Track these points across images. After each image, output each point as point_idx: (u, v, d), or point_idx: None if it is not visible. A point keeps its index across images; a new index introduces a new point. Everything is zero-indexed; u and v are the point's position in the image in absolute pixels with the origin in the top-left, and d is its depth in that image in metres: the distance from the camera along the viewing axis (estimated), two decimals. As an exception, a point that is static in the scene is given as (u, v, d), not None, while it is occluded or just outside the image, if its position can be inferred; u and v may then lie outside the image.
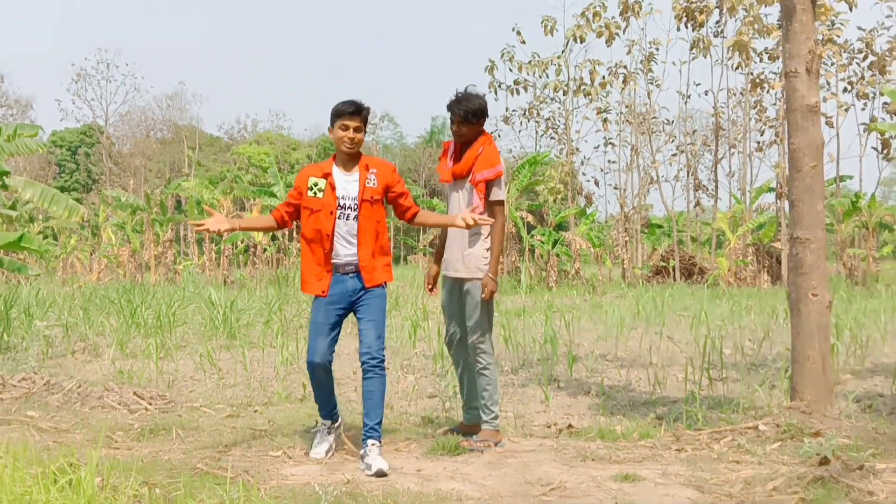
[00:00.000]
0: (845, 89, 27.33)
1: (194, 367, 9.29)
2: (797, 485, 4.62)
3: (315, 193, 5.47)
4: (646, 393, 7.95)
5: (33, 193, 10.67)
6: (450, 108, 5.89)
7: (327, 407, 5.71)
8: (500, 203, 5.86)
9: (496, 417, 5.90)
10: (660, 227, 38.22)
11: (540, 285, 23.71)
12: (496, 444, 5.81)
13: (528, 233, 26.22)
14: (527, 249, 25.61)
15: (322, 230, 5.43)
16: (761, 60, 26.87)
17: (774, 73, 26.79)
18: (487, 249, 5.84)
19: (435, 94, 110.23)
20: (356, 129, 5.44)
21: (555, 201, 27.18)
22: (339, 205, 5.44)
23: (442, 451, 5.63)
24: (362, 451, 5.30)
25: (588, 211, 29.11)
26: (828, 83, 26.20)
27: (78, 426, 6.46)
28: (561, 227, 28.86)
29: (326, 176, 5.50)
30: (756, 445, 5.50)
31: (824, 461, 4.98)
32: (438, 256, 6.26)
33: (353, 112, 5.42)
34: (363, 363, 5.40)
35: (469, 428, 6.11)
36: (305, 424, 6.43)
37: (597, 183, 34.62)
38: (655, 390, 7.95)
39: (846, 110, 27.39)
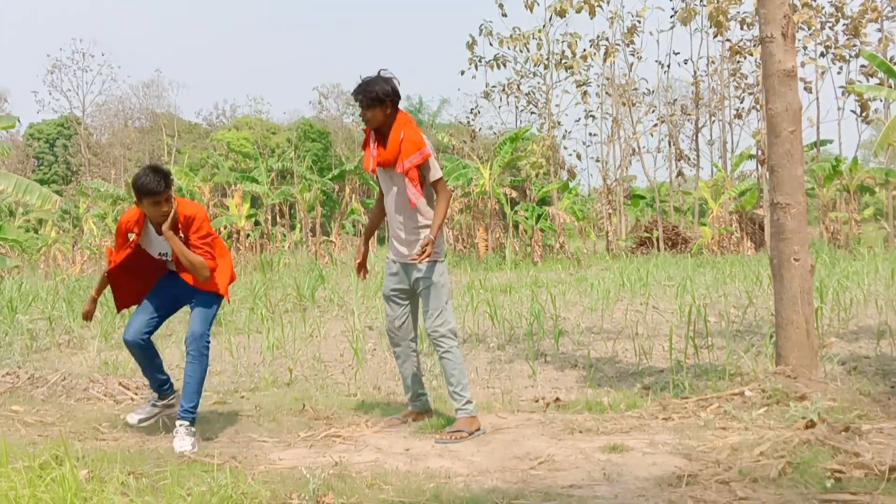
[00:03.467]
0: (822, 53, 27.39)
1: (180, 355, 9.23)
2: (784, 449, 4.64)
3: (132, 238, 5.76)
4: (632, 364, 7.97)
5: (7, 184, 10.59)
6: (353, 94, 5.80)
7: (154, 382, 5.99)
8: (441, 180, 5.74)
9: (469, 402, 5.65)
10: (642, 198, 38.27)
11: (525, 261, 23.72)
12: (473, 433, 5.50)
13: (512, 208, 26.22)
14: (510, 225, 25.61)
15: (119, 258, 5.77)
16: (741, 28, 26.87)
17: (751, 41, 26.79)
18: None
19: (413, 73, 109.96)
20: (167, 202, 5.51)
21: (537, 176, 27.14)
22: (158, 256, 5.80)
23: (430, 430, 5.63)
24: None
25: (571, 185, 29.09)
26: (805, 47, 26.23)
27: (63, 419, 6.42)
28: (544, 201, 28.88)
29: (142, 227, 5.70)
30: (742, 411, 5.52)
31: (810, 424, 5.00)
32: (368, 236, 6.24)
33: (161, 190, 5.44)
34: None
35: (419, 416, 5.97)
36: (293, 409, 6.42)
37: (579, 156, 34.79)
38: (642, 361, 7.98)
39: (823, 74, 27.46)
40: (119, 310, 6.07)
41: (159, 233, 5.60)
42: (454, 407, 5.72)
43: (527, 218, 25.19)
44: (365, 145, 5.91)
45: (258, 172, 30.71)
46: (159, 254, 5.74)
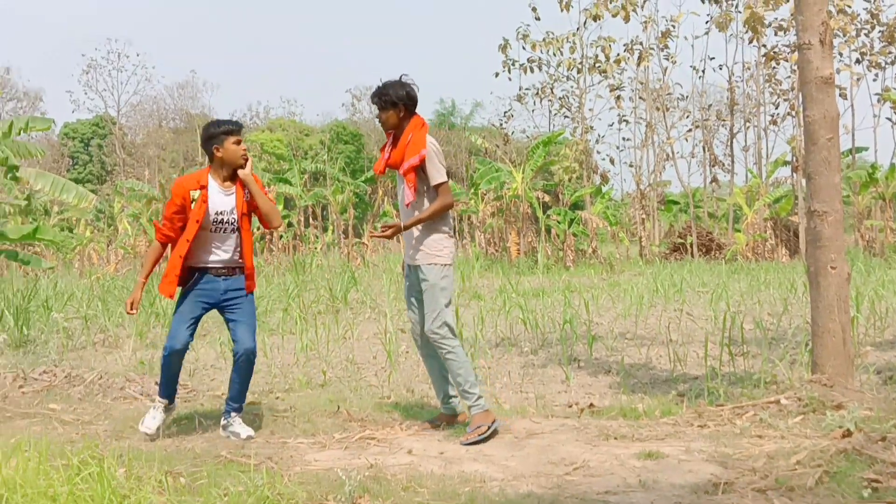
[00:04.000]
0: (857, 60, 27.11)
1: (215, 355, 9.34)
2: (820, 458, 4.60)
3: (196, 204, 5.70)
4: (666, 370, 7.93)
5: (45, 183, 10.73)
6: (370, 97, 5.96)
7: (171, 388, 5.92)
8: (441, 184, 5.75)
9: (480, 398, 5.67)
10: (676, 203, 38.06)
11: (557, 265, 23.66)
12: (490, 427, 5.54)
13: (544, 213, 26.15)
14: (543, 229, 25.55)
15: (187, 237, 5.71)
16: (775, 34, 26.65)
17: (787, 46, 26.56)
18: (445, 236, 5.79)
19: (446, 76, 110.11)
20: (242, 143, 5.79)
21: (570, 180, 27.06)
22: (214, 219, 5.74)
23: (464, 433, 5.63)
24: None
25: (604, 189, 28.98)
26: (840, 54, 25.97)
27: (100, 417, 6.50)
28: (577, 206, 28.79)
29: (203, 188, 5.72)
30: (778, 420, 5.48)
31: (847, 433, 4.95)
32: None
33: (241, 129, 5.78)
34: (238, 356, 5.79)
35: (450, 418, 5.99)
36: (327, 410, 6.45)
37: (612, 161, 34.43)
38: (676, 367, 7.94)
39: (858, 81, 27.18)
40: (168, 291, 5.83)
41: (224, 189, 5.73)
42: (466, 405, 5.75)
43: (559, 222, 25.12)
44: (382, 149, 6.03)
45: (291, 174, 30.88)
46: (216, 214, 5.71)
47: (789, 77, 28.00)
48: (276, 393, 7.37)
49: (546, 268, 22.55)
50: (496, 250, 26.84)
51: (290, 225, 31.92)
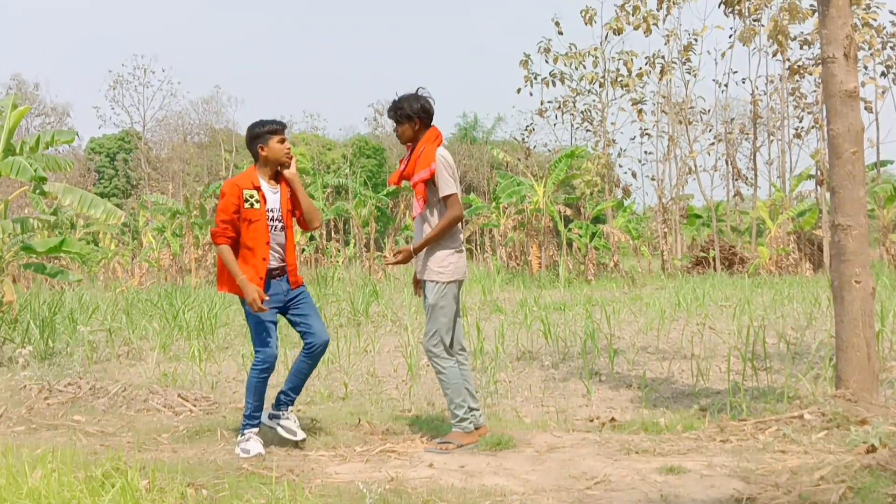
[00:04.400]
0: (883, 73, 26.95)
1: (237, 368, 9.38)
2: (844, 473, 4.56)
3: (252, 205, 5.71)
4: (688, 385, 7.90)
5: (73, 199, 10.81)
6: (387, 111, 6.03)
7: (262, 409, 5.87)
8: (450, 196, 5.73)
9: (462, 420, 5.73)
10: (699, 217, 37.92)
11: (578, 279, 23.61)
12: (462, 445, 5.62)
13: (566, 226, 26.11)
14: (564, 243, 25.51)
15: (261, 237, 5.72)
16: (801, 48, 26.54)
17: (810, 59, 26.44)
18: (451, 252, 5.78)
19: (468, 90, 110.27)
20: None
21: (592, 194, 27.01)
22: (269, 217, 5.78)
23: (485, 447, 5.63)
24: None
25: (626, 203, 28.92)
26: (865, 67, 25.82)
27: (124, 429, 6.54)
28: (598, 219, 28.71)
29: (257, 188, 5.76)
30: (802, 435, 5.44)
31: (871, 449, 4.91)
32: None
33: (284, 128, 5.88)
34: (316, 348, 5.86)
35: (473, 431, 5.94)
36: (348, 423, 6.46)
37: (634, 175, 34.34)
38: (698, 382, 7.90)
39: (883, 93, 27.01)
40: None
41: (270, 186, 5.80)
42: (452, 421, 5.83)
43: (581, 236, 25.09)
44: (402, 160, 6.09)
45: (314, 188, 31.02)
46: (269, 212, 5.76)
47: (814, 91, 27.87)
48: (298, 406, 7.38)
49: (567, 281, 22.51)
50: (517, 264, 26.81)
51: (311, 238, 32.03)
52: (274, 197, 5.82)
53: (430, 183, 5.74)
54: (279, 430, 5.85)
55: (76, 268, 30.32)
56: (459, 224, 5.85)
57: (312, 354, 5.85)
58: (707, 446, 5.49)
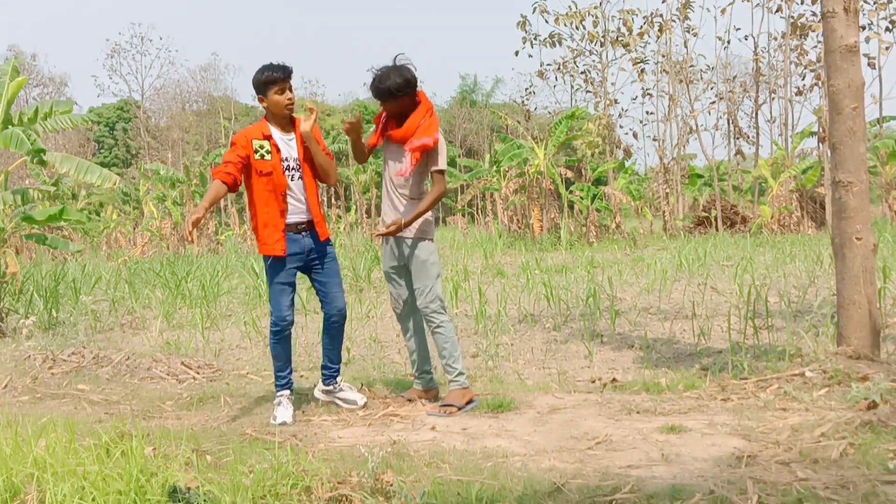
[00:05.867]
0: (887, 28, 26.71)
1: (240, 335, 9.41)
2: (845, 430, 4.58)
3: (262, 156, 5.54)
4: (690, 344, 7.91)
5: (69, 166, 10.82)
6: (370, 89, 5.90)
7: (288, 372, 5.77)
8: (441, 172, 5.84)
9: (461, 374, 5.81)
10: (700, 177, 37.76)
11: (580, 241, 23.60)
12: (463, 408, 5.68)
13: (567, 189, 26.04)
14: (566, 205, 25.47)
15: (276, 189, 5.56)
16: (802, 2, 26.29)
17: (814, 14, 26.20)
18: (431, 214, 5.89)
19: (467, 52, 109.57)
20: (290, 90, 5.63)
21: (593, 156, 26.87)
22: (284, 167, 5.59)
23: (486, 409, 5.65)
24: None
25: (627, 164, 28.82)
26: (870, 22, 25.59)
27: (128, 397, 6.58)
28: (600, 181, 28.64)
29: (268, 138, 5.58)
30: (803, 392, 5.45)
31: (872, 405, 4.93)
32: None
33: (286, 77, 5.57)
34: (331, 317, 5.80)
35: (424, 394, 6.07)
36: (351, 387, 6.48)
37: (635, 135, 34.18)
38: (700, 341, 7.91)
39: (887, 49, 26.79)
40: (281, 248, 5.57)
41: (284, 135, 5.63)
42: (447, 379, 5.87)
43: (582, 198, 25.02)
44: (376, 119, 6.03)
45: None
46: (283, 161, 5.58)
47: (816, 47, 27.65)
48: (301, 371, 7.41)
49: (569, 244, 22.50)
50: (519, 227, 26.78)
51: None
52: (288, 145, 5.63)
53: (426, 153, 5.76)
54: (339, 403, 5.81)
55: (78, 238, 30.37)
56: None
57: (329, 324, 5.79)
58: (708, 405, 5.51)
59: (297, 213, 5.63)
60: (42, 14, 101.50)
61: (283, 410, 5.60)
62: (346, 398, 5.81)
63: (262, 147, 5.54)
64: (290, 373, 5.77)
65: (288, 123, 5.68)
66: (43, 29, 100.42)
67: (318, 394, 5.92)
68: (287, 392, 5.70)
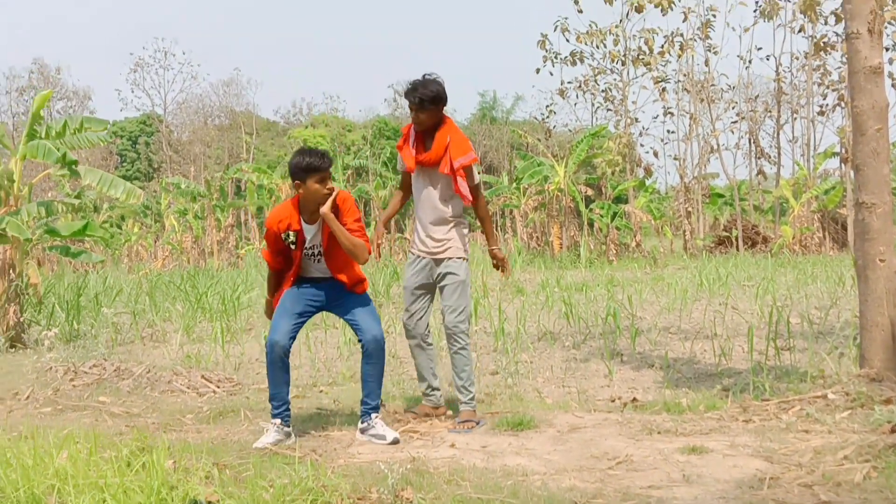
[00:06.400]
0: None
1: (260, 349, 9.42)
2: (868, 453, 4.54)
3: (290, 244, 5.52)
4: (711, 365, 7.87)
5: (93, 179, 10.91)
6: (406, 95, 5.83)
7: (281, 402, 5.50)
8: (478, 187, 5.94)
9: (473, 398, 5.87)
10: (721, 196, 37.66)
11: (600, 259, 23.54)
12: (477, 424, 5.73)
13: (587, 206, 26.01)
14: (585, 223, 25.43)
15: (295, 268, 5.59)
16: (826, 23, 26.19)
17: (837, 34, 26.10)
18: (467, 231, 5.99)
19: (487, 69, 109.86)
20: (331, 180, 5.47)
21: (613, 174, 26.86)
22: (306, 254, 5.55)
23: (506, 427, 5.64)
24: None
25: (648, 182, 28.76)
26: (894, 43, 25.46)
27: (148, 410, 6.61)
28: (620, 199, 28.58)
29: (296, 231, 5.48)
30: (825, 414, 5.41)
31: (896, 429, 4.89)
32: (387, 221, 6.32)
33: (328, 166, 5.40)
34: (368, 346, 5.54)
35: (433, 410, 6.06)
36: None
37: (656, 154, 34.14)
38: (721, 362, 7.87)
39: (911, 69, 26.64)
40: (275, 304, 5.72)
41: (310, 221, 5.48)
42: (459, 399, 5.90)
43: (602, 216, 24.99)
44: (404, 143, 6.01)
45: (334, 169, 31.05)
46: (306, 249, 5.53)
47: (839, 68, 27.54)
48: (320, 386, 7.43)
49: (589, 262, 22.45)
50: (538, 244, 26.76)
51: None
52: (313, 233, 5.49)
53: (465, 170, 5.83)
54: (372, 440, 5.44)
55: (100, 250, 30.55)
56: None
57: (367, 353, 5.50)
58: (730, 426, 5.47)
59: (318, 272, 5.63)
60: (66, 27, 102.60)
61: (268, 437, 5.36)
62: (375, 434, 5.46)
63: (287, 238, 5.49)
64: (286, 403, 5.49)
65: (316, 211, 5.47)
66: (67, 42, 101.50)
67: (358, 435, 5.57)
68: (278, 421, 5.43)
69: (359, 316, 5.54)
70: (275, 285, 5.79)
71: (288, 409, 5.50)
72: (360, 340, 5.55)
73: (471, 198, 5.83)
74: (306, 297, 5.59)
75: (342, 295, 5.62)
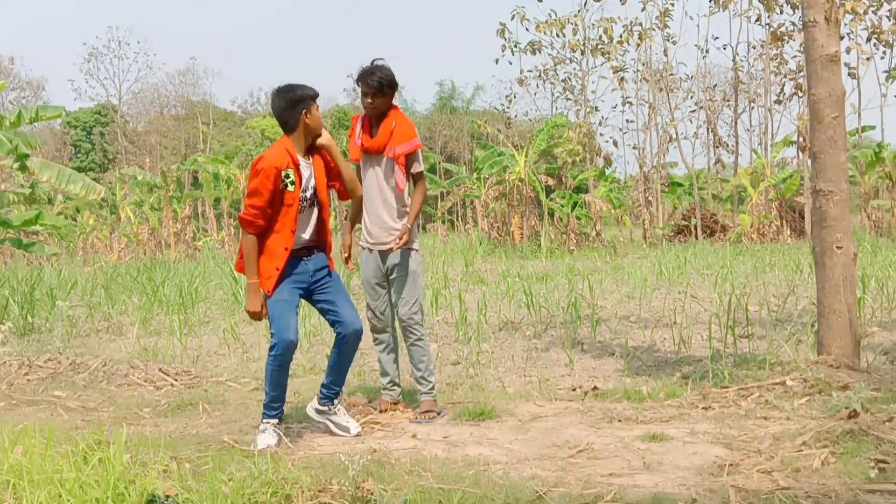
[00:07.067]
0: (868, 38, 26.92)
1: (218, 342, 9.33)
2: (826, 439, 4.58)
3: (286, 186, 5.10)
4: (671, 353, 7.92)
5: (50, 174, 10.70)
6: (360, 79, 5.67)
7: (281, 401, 5.32)
8: (421, 174, 5.85)
9: (433, 388, 5.84)
10: (680, 185, 37.95)
11: (560, 249, 23.61)
12: (439, 414, 5.70)
13: (547, 196, 26.07)
14: (546, 213, 25.50)
15: (287, 225, 5.17)
16: (782, 12, 26.46)
17: (794, 24, 26.38)
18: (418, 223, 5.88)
19: (446, 59, 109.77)
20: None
21: (573, 163, 26.95)
22: (301, 197, 5.20)
23: (468, 417, 5.62)
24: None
25: (607, 172, 28.90)
26: (851, 32, 25.78)
27: (105, 404, 6.51)
28: (580, 189, 28.70)
29: (295, 166, 5.16)
30: (784, 401, 5.46)
31: (853, 414, 4.93)
32: (351, 227, 6.11)
33: (318, 93, 5.28)
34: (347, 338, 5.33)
35: (392, 405, 5.96)
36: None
37: (615, 143, 34.45)
38: (680, 350, 7.92)
39: (868, 59, 27.01)
40: (270, 286, 5.16)
41: (308, 155, 5.23)
42: (420, 391, 5.87)
43: (562, 206, 25.06)
44: (351, 133, 5.92)
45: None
46: (301, 192, 5.16)
47: (795, 57, 27.84)
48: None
49: (549, 251, 22.50)
50: (499, 234, 26.79)
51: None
52: (307, 174, 5.21)
53: (408, 157, 5.73)
54: (330, 426, 5.38)
55: (54, 243, 30.13)
56: None
57: (344, 345, 5.32)
58: (689, 413, 5.50)
59: (301, 242, 5.28)
60: (17, 17, 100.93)
61: (268, 437, 5.15)
62: (339, 423, 5.37)
63: (287, 177, 5.09)
64: (284, 403, 5.34)
65: (309, 148, 5.28)
66: (19, 32, 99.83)
67: (310, 412, 5.48)
68: (275, 421, 5.26)
69: (340, 306, 5.32)
70: (257, 262, 5.16)
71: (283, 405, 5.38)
72: (337, 331, 5.33)
73: (405, 186, 5.70)
74: (293, 284, 5.25)
75: (324, 276, 5.35)
